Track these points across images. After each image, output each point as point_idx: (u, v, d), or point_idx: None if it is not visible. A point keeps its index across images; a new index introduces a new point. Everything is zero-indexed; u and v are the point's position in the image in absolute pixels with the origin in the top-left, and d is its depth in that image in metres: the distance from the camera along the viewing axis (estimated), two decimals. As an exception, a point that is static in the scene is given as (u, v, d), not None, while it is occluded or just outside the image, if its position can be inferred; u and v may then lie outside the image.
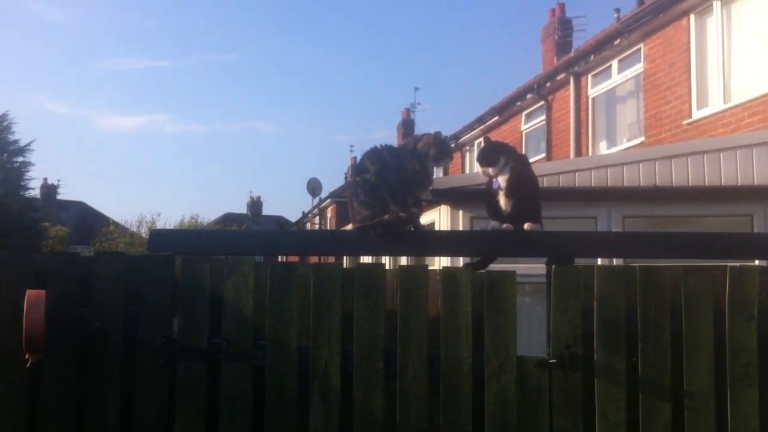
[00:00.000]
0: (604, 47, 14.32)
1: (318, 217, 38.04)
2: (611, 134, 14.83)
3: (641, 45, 13.45)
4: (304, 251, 3.93)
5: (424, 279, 3.45)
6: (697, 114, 11.99)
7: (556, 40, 23.68)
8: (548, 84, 16.50)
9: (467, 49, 78.93)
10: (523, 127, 18.22)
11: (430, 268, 3.48)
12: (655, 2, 12.83)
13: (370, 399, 3.39)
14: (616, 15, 17.16)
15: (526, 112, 18.05)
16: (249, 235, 4.25)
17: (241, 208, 59.29)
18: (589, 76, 15.25)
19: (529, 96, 17.43)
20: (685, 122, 12.10)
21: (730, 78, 11.36)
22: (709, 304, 3.40)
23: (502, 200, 3.60)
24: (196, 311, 3.44)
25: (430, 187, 3.69)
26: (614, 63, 14.43)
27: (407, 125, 42.66)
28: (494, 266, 3.69)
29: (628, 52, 13.85)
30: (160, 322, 3.45)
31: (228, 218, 51.53)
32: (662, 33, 12.81)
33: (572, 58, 15.71)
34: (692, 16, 12.15)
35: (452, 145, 15.15)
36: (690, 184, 6.85)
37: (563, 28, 23.57)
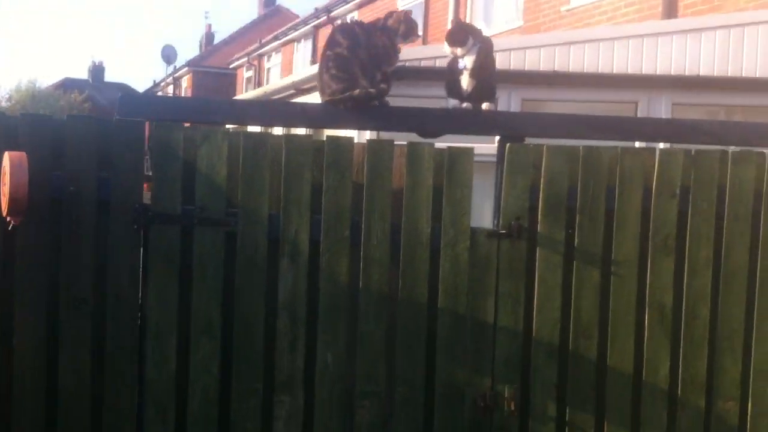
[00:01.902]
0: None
1: (172, 86, 36.94)
2: (489, 16, 15.17)
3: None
4: (274, 122, 4.02)
5: (389, 153, 3.66)
6: (575, 1, 12.47)
7: None
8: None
9: None
10: (400, 3, 18.24)
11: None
12: None
13: (335, 264, 3.63)
14: None
15: (404, -12, 18.05)
16: (218, 104, 4.27)
17: (82, 73, 56.53)
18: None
19: (406, -29, 17.40)
20: (563, 9, 12.57)
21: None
22: (640, 182, 3.81)
23: (465, 80, 3.83)
24: (169, 177, 3.53)
25: (397, 63, 3.86)
26: (496, -56, 14.63)
27: (271, -9, 41.57)
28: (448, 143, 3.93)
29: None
30: (132, 188, 3.52)
31: (67, 83, 49.18)
32: None
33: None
34: None
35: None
36: (585, 71, 7.30)
37: None
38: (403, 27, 3.81)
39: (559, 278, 3.78)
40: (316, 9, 23.41)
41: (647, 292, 3.84)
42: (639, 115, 7.25)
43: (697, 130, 3.97)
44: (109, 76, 56.83)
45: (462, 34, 3.81)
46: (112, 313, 3.49)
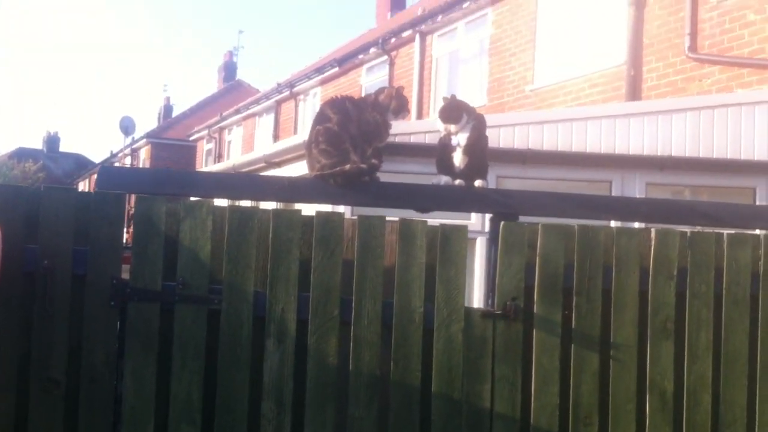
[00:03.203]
0: (452, 9, 14.71)
1: (129, 157, 36.66)
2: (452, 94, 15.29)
3: (489, 10, 13.96)
4: (261, 196, 3.87)
5: (380, 229, 3.52)
6: (539, 82, 12.66)
7: (391, -3, 24.15)
8: (393, 40, 16.73)
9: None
10: (363, 80, 18.41)
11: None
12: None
13: (324, 345, 3.44)
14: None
15: (368, 66, 18.23)
16: (204, 177, 4.11)
17: (37, 143, 56.37)
18: (435, 36, 15.65)
19: (372, 50, 17.60)
20: (527, 89, 12.74)
21: (575, 50, 12.07)
22: (636, 263, 3.72)
23: (458, 157, 3.74)
24: (150, 252, 3.34)
25: (387, 140, 3.76)
26: (461, 25, 14.89)
27: (229, 68, 41.91)
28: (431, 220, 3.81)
29: (476, 15, 14.33)
30: (110, 262, 3.31)
31: (21, 153, 48.87)
32: (511, 0, 13.36)
33: (419, 17, 16.02)
34: (542, -13, 12.76)
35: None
36: (559, 149, 7.30)
37: (399, -15, 24.11)
38: (395, 103, 3.74)
39: (556, 362, 3.64)
40: (279, 84, 23.53)
41: (647, 377, 3.71)
42: (613, 193, 7.25)
43: (693, 211, 3.92)
44: (65, 147, 56.68)
45: (456, 111, 3.75)
46: (86, 395, 3.25)
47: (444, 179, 3.80)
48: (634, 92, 10.82)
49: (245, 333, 3.39)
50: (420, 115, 15.55)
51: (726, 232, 3.84)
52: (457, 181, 3.77)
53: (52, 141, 56.81)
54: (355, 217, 3.53)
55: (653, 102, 9.13)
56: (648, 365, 3.70)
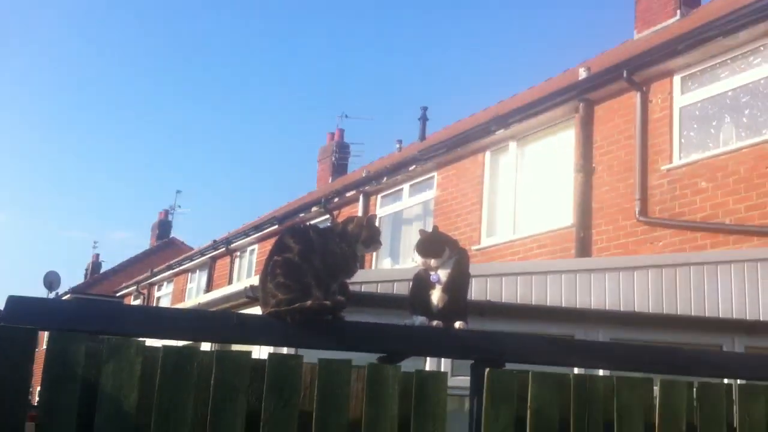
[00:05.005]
0: (397, 171, 14.70)
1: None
2: (395, 253, 15.04)
3: (435, 173, 13.95)
4: (203, 336, 3.28)
5: (346, 376, 2.96)
6: (486, 241, 12.47)
7: (333, 162, 24.43)
8: (336, 199, 16.56)
9: (232, 158, 78.61)
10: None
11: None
12: (455, 136, 13.48)
13: None
14: (398, 145, 18.15)
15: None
16: (134, 312, 3.51)
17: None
18: (379, 197, 15.53)
19: (314, 208, 17.37)
20: (474, 248, 12.50)
21: (523, 211, 11.99)
22: (641, 418, 3.20)
23: (437, 295, 3.26)
24: (63, 404, 2.69)
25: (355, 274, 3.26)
26: (406, 187, 14.83)
27: (163, 226, 41.35)
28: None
29: (422, 178, 14.33)
30: (17, 416, 2.65)
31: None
32: (457, 165, 13.40)
33: (364, 178, 15.96)
34: (488, 153, 12.86)
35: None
36: (519, 302, 6.89)
37: (341, 151, 24.54)
38: (366, 233, 3.26)
39: None
40: (215, 241, 23.03)
41: None
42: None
43: (701, 361, 3.45)
44: (-15, 307, 54.39)
45: (438, 244, 3.31)
46: None
47: (419, 320, 3.29)
48: (584, 253, 10.62)
49: (179, 507, 2.71)
50: (363, 268, 15.12)
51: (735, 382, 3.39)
52: (435, 322, 3.26)
53: (-27, 302, 54.61)
54: (315, 362, 2.96)
55: (613, 258, 8.92)
56: None
